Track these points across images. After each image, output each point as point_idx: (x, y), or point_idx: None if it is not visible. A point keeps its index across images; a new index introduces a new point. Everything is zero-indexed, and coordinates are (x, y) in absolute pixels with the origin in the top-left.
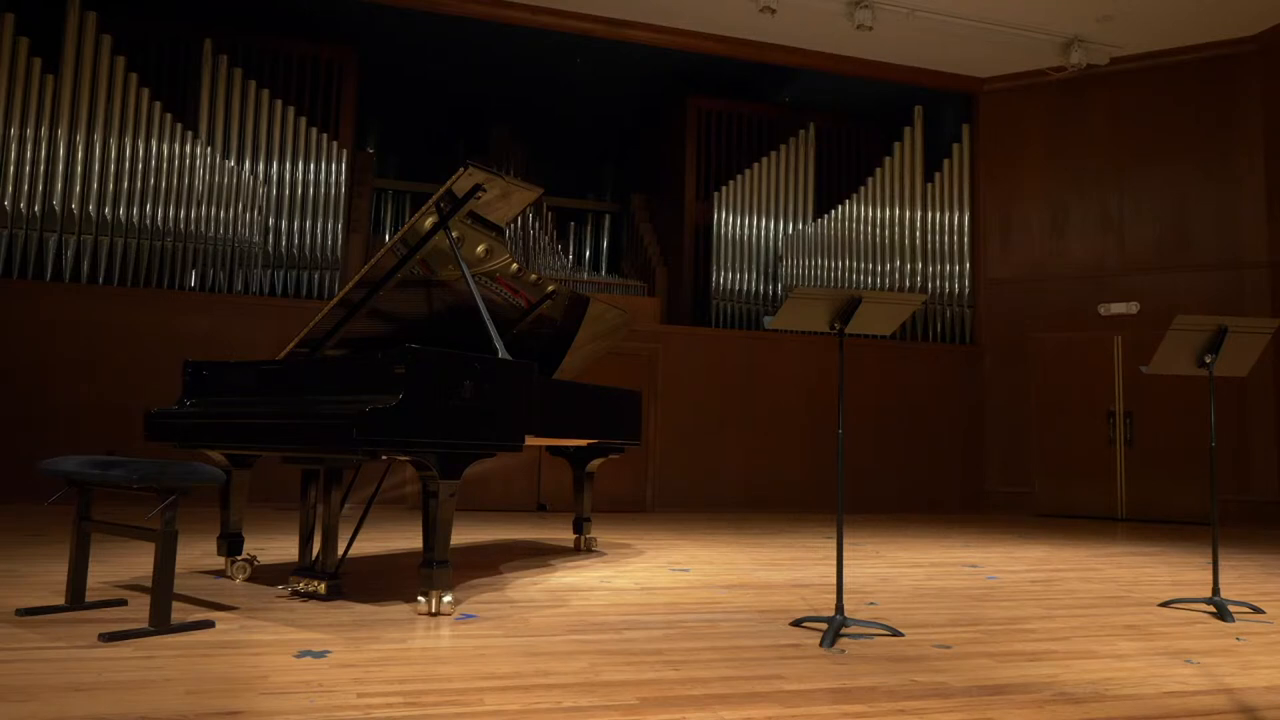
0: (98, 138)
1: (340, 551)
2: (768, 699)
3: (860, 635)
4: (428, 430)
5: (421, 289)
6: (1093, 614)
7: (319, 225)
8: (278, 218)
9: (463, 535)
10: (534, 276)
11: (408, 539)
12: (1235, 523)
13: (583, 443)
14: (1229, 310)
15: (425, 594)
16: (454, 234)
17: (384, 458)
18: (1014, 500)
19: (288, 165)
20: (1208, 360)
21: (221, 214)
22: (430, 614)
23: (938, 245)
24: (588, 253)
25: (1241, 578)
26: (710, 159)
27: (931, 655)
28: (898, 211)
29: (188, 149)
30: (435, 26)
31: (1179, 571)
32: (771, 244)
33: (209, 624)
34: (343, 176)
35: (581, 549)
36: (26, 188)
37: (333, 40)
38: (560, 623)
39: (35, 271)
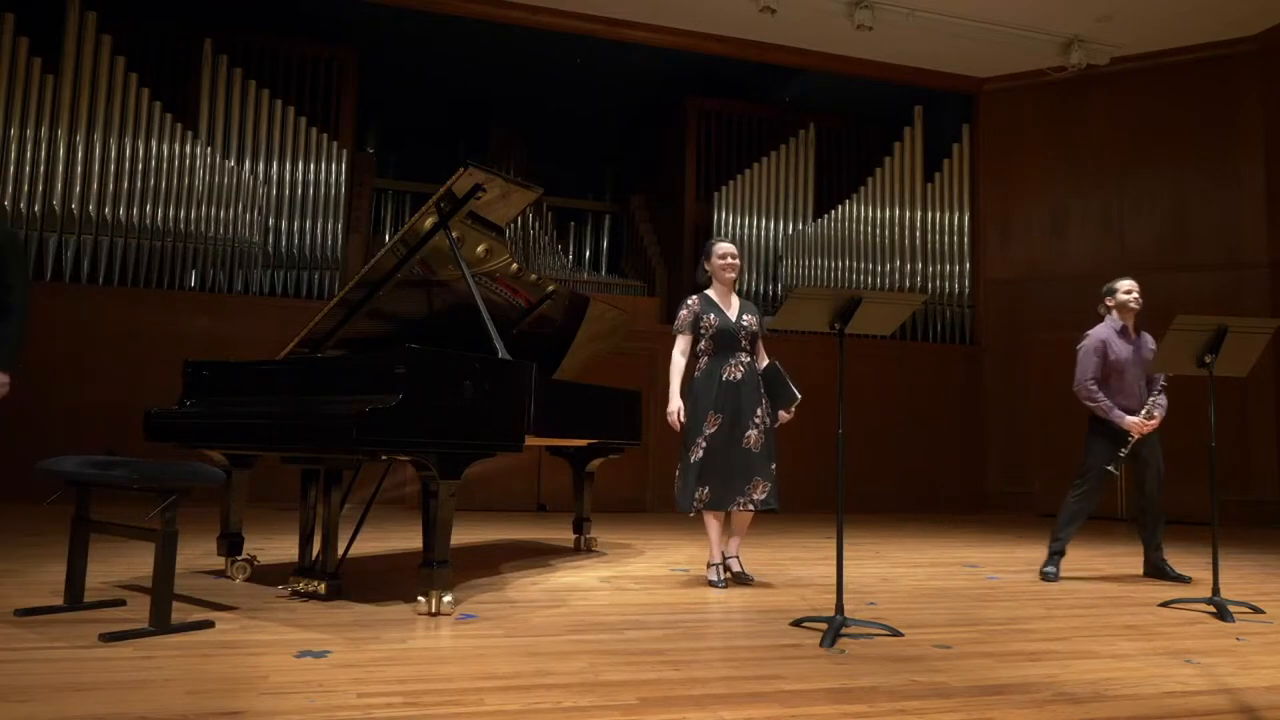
0: (98, 138)
1: (340, 551)
2: (768, 699)
3: (860, 635)
4: (428, 430)
5: (421, 289)
6: (1093, 614)
7: (319, 225)
8: (278, 218)
9: (463, 535)
10: (534, 276)
11: (408, 539)
12: (1235, 523)
13: (582, 443)
14: (1229, 310)
15: (425, 594)
16: (454, 234)
17: (384, 458)
18: (1014, 500)
19: (288, 165)
20: (1208, 360)
21: (221, 214)
22: (430, 614)
23: (938, 245)
24: (588, 253)
25: (1241, 578)
26: (710, 159)
27: (931, 655)
28: (898, 211)
29: (188, 149)
30: (435, 26)
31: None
32: (771, 244)
33: (209, 624)
34: (343, 176)
35: (581, 549)
36: (26, 188)
37: (333, 40)
38: (560, 623)
39: (35, 271)
